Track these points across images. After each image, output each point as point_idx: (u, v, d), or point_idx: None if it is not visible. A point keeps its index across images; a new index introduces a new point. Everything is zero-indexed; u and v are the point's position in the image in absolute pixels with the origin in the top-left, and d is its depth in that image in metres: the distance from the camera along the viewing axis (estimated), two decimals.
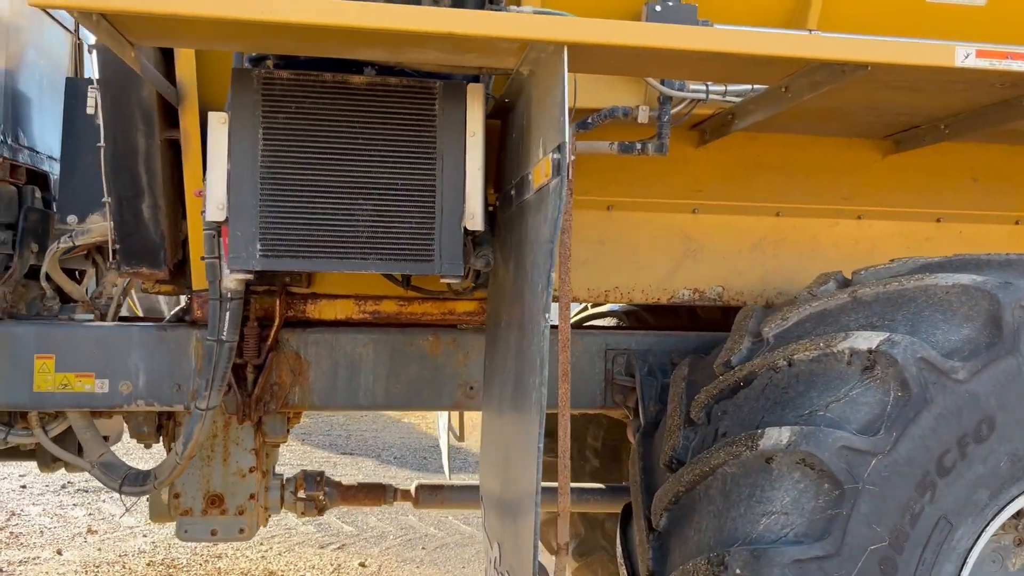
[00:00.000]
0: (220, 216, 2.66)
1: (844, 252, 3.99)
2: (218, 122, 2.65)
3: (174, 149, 3.21)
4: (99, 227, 3.49)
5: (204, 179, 2.75)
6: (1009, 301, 2.38)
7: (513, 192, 2.79)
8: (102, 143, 3.14)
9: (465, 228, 2.78)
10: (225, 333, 3.08)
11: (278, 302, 3.50)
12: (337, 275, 3.64)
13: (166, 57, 3.07)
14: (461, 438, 5.43)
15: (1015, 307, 2.38)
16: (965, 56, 2.31)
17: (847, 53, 2.36)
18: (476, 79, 2.82)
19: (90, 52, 3.15)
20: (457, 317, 3.77)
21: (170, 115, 3.17)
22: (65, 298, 3.72)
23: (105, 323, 3.61)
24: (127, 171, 3.18)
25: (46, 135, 4.13)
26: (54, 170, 4.06)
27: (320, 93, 2.69)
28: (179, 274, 3.44)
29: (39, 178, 3.94)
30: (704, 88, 2.85)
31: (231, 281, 3.04)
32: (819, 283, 2.92)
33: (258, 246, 2.68)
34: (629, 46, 2.19)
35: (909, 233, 4.06)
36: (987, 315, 2.38)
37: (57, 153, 3.88)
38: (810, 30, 3.25)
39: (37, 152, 4.03)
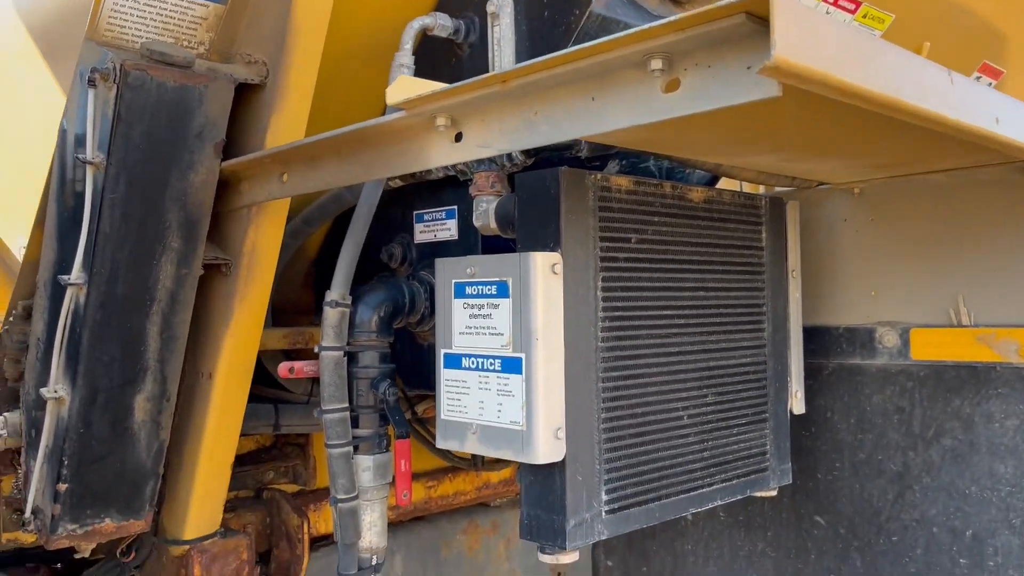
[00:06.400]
0: (557, 452, 1.37)
1: None
2: (549, 270, 1.36)
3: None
4: None
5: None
6: None
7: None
8: (77, 279, 1.45)
9: (791, 413, 1.89)
10: None
11: (292, 520, 2.08)
12: None
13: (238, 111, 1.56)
14: None
15: None
16: None
17: None
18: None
19: (91, 86, 1.39)
20: (493, 490, 2.69)
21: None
22: None
23: None
24: (120, 335, 1.52)
25: None
26: None
27: (657, 214, 1.57)
28: None
29: None
30: None
31: (375, 537, 1.66)
32: None
33: (604, 496, 1.45)
34: None
35: None
36: None
37: None
38: None
39: None
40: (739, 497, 1.76)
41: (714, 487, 1.68)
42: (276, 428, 2.00)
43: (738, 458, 1.74)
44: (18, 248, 2.45)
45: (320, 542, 2.25)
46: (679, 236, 1.61)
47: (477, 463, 2.39)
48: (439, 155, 1.18)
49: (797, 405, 1.91)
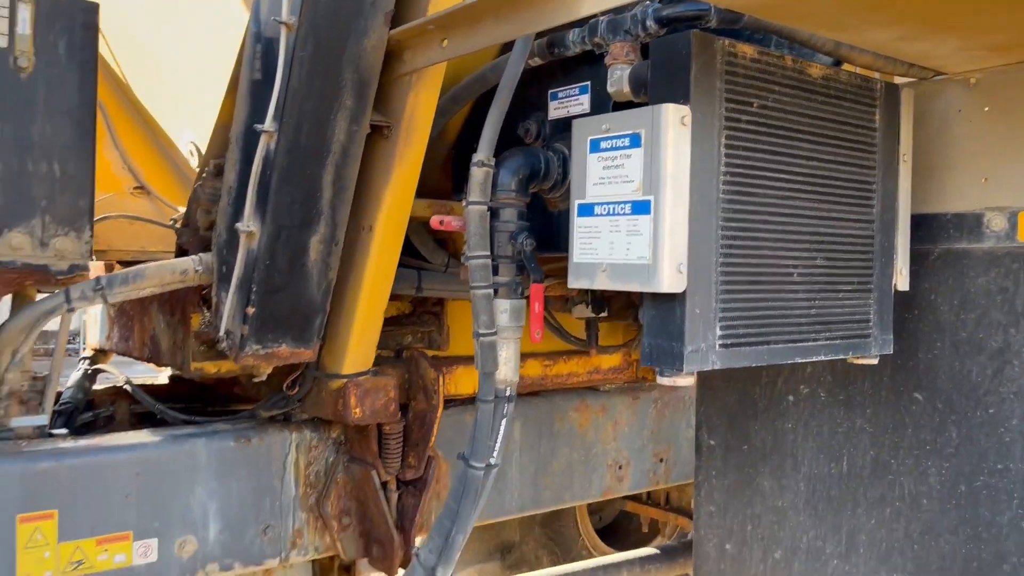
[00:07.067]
0: (679, 284, 1.55)
1: None
2: (679, 121, 1.53)
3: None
4: (170, 268, 1.92)
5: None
6: None
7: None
8: (269, 127, 1.70)
9: (895, 289, 2.02)
10: (496, 452, 1.89)
11: (429, 375, 2.32)
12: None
13: None
14: None
15: None
16: None
17: None
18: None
19: None
20: (603, 375, 2.89)
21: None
22: None
23: (135, 436, 2.02)
24: (301, 181, 1.77)
25: None
26: None
27: (778, 84, 1.72)
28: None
29: None
30: None
31: (509, 371, 1.88)
32: None
33: (718, 331, 1.63)
34: None
35: None
36: None
37: None
38: None
39: None
40: (841, 356, 1.91)
41: (819, 342, 1.83)
42: (419, 290, 2.25)
43: (842, 321, 1.89)
44: (184, 143, 2.76)
45: (451, 403, 2.51)
46: (797, 108, 1.75)
47: (591, 342, 2.59)
48: (590, 3, 1.36)
49: (902, 282, 2.03)
